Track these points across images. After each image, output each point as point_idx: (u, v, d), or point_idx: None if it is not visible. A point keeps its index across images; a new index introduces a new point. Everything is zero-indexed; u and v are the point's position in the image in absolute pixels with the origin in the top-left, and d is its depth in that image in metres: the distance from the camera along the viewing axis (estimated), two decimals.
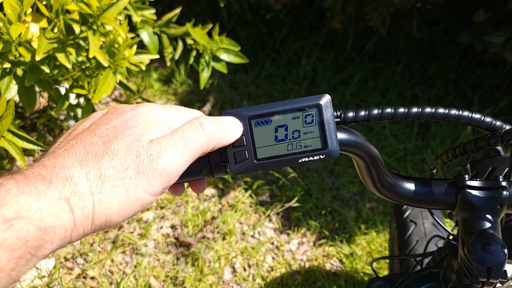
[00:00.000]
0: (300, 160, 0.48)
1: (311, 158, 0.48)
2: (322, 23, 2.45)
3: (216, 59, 1.17)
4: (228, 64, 1.22)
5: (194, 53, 1.19)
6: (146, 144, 0.41)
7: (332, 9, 2.21)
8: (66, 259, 1.61)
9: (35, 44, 0.81)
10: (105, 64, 0.79)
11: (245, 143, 0.47)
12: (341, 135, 0.49)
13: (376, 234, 1.78)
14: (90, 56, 0.75)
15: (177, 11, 1.15)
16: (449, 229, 0.77)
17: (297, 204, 1.83)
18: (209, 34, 1.21)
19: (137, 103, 1.20)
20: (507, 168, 0.66)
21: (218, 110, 2.15)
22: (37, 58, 0.73)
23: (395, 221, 1.26)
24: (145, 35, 1.12)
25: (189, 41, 1.18)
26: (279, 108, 0.46)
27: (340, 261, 1.72)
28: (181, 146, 0.41)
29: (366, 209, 1.85)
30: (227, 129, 0.45)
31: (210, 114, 2.14)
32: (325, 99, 0.47)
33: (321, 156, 0.48)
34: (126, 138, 0.41)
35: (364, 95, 2.29)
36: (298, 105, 0.47)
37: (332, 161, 2.00)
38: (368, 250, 1.74)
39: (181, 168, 0.42)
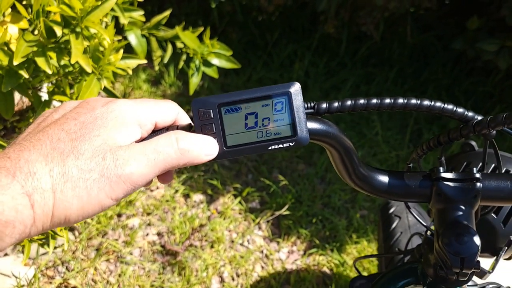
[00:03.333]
0: (270, 148, 0.47)
1: (281, 146, 0.48)
2: (315, 26, 2.42)
3: (207, 63, 1.12)
4: (219, 67, 1.18)
5: (184, 57, 1.14)
6: (114, 148, 0.40)
7: (326, 13, 2.17)
8: (47, 267, 1.55)
9: (13, 47, 0.76)
10: (89, 70, 0.73)
11: (214, 131, 0.46)
12: (312, 124, 0.49)
13: (367, 243, 1.75)
14: (72, 61, 0.70)
15: (167, 13, 1.10)
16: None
17: (287, 212, 1.79)
18: (200, 37, 1.16)
19: None
20: (480, 163, 0.67)
21: None
22: (15, 63, 0.68)
23: (381, 218, 1.28)
24: (133, 38, 1.07)
25: (179, 44, 1.13)
26: (249, 96, 0.46)
27: (331, 270, 1.68)
28: (152, 158, 0.41)
29: (357, 218, 1.82)
30: (202, 150, 0.45)
31: None
32: (295, 87, 0.47)
33: (291, 144, 0.47)
34: (94, 138, 0.40)
35: None
36: (268, 92, 0.46)
37: (324, 167, 1.97)
38: None
39: (147, 179, 0.41)
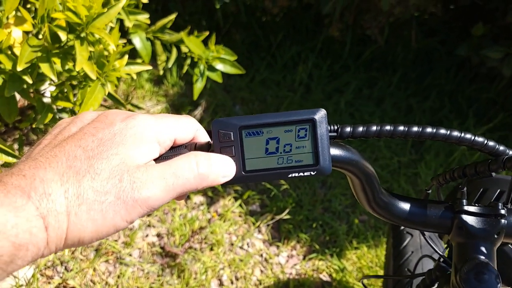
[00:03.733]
0: (290, 175, 0.46)
1: (302, 174, 0.46)
2: (319, 28, 2.40)
3: (211, 68, 1.11)
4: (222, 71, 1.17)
5: (188, 61, 1.13)
6: (132, 168, 0.39)
7: (331, 16, 2.16)
8: (46, 267, 1.54)
9: (17, 51, 0.75)
10: (93, 77, 0.72)
11: (234, 154, 0.45)
12: (335, 151, 0.48)
13: (367, 249, 1.74)
14: (77, 69, 0.69)
15: (172, 16, 1.09)
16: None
17: (288, 216, 1.79)
18: (205, 41, 1.15)
19: (128, 109, 1.13)
20: (498, 190, 0.66)
21: (210, 115, 2.10)
22: (19, 69, 0.67)
23: (392, 233, 1.25)
24: (138, 41, 1.06)
25: (183, 48, 1.12)
26: (272, 120, 0.45)
27: (330, 276, 1.68)
28: (170, 182, 0.40)
29: (357, 223, 1.81)
30: (220, 173, 0.43)
31: (202, 118, 2.08)
32: (320, 114, 0.45)
33: (312, 173, 0.46)
34: (112, 157, 0.39)
35: (359, 104, 2.25)
36: (292, 118, 0.45)
37: None
38: (359, 265, 1.70)
39: (164, 201, 0.40)
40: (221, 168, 0.43)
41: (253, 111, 2.17)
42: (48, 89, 0.86)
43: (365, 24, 2.13)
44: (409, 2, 1.98)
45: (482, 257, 0.53)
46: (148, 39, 1.09)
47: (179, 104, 2.13)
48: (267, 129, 0.45)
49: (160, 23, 1.07)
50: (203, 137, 0.47)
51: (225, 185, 0.45)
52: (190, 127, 0.45)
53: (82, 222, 0.37)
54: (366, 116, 2.19)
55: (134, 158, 0.40)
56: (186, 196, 0.47)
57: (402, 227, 1.24)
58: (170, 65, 1.16)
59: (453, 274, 0.55)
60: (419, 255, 1.13)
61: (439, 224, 0.55)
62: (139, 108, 1.22)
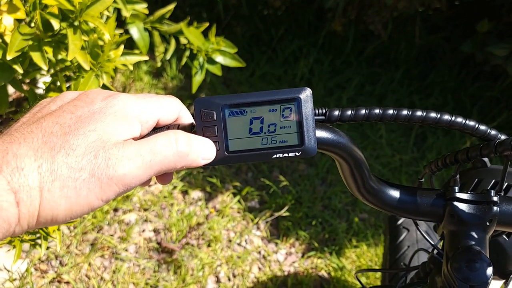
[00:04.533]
0: (274, 156, 0.45)
1: (286, 155, 0.45)
2: (322, 23, 2.37)
3: (211, 61, 1.08)
4: (222, 64, 1.14)
5: (187, 53, 1.10)
6: (108, 145, 0.38)
7: (333, 10, 2.12)
8: (40, 261, 1.52)
9: (8, 39, 0.72)
10: (87, 67, 0.69)
11: (216, 134, 0.44)
12: (322, 133, 0.46)
13: (366, 248, 1.72)
14: (69, 58, 0.65)
15: (171, 6, 1.06)
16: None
17: (287, 213, 1.76)
18: (205, 33, 1.12)
19: None
20: (493, 180, 0.65)
21: None
22: (9, 57, 0.64)
23: (388, 228, 1.24)
24: (135, 31, 1.02)
25: (182, 40, 1.08)
26: (255, 99, 0.43)
27: (329, 274, 1.65)
28: (147, 159, 0.39)
29: (357, 221, 1.78)
30: (200, 153, 0.42)
31: None
32: (306, 93, 0.44)
33: (297, 153, 0.45)
34: (89, 134, 0.38)
35: (361, 100, 2.22)
36: (276, 97, 0.43)
37: (325, 169, 1.93)
38: (358, 264, 1.68)
39: (141, 180, 0.39)
40: (201, 149, 0.42)
41: None
42: (40, 80, 0.83)
43: (368, 19, 2.09)
44: None
45: (474, 245, 0.52)
46: (146, 29, 1.05)
47: (178, 97, 2.08)
48: (251, 109, 0.44)
49: (159, 13, 1.04)
50: (187, 118, 0.46)
51: (207, 166, 0.44)
52: (173, 107, 0.44)
53: (55, 199, 0.36)
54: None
55: (112, 134, 0.39)
56: (170, 179, 0.46)
57: (399, 222, 1.23)
58: (168, 56, 1.13)
59: (444, 263, 0.54)
60: (415, 250, 1.13)
61: (431, 212, 0.54)
62: None
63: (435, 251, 0.71)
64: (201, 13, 2.31)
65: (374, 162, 1.97)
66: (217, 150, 0.44)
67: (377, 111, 0.49)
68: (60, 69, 0.76)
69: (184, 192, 1.80)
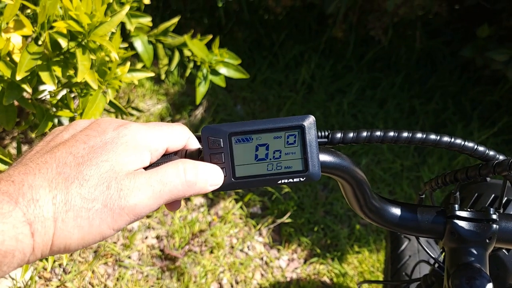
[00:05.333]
0: (280, 181, 0.46)
1: (291, 180, 0.46)
2: (322, 28, 2.37)
3: (215, 72, 1.09)
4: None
5: (191, 65, 1.10)
6: (120, 176, 0.39)
7: (334, 16, 2.13)
8: (44, 269, 1.52)
9: (16, 57, 0.73)
10: (95, 86, 0.70)
11: (223, 160, 0.45)
12: (325, 157, 0.48)
13: (368, 254, 1.73)
14: (79, 79, 0.66)
15: (175, 20, 1.06)
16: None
17: (289, 220, 1.77)
18: (208, 44, 1.12)
19: (129, 113, 1.10)
20: (493, 195, 0.66)
21: (212, 115, 2.07)
22: (18, 78, 0.65)
23: (390, 237, 1.25)
24: (139, 44, 1.03)
25: (186, 52, 1.09)
26: (261, 127, 0.45)
27: (331, 280, 1.66)
28: (157, 189, 0.40)
29: (359, 227, 1.79)
30: (208, 181, 0.43)
31: (203, 118, 2.06)
32: (309, 120, 0.46)
33: (302, 179, 0.46)
34: (101, 164, 0.39)
35: (362, 105, 2.23)
36: (281, 124, 0.45)
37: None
38: (360, 270, 1.69)
39: (152, 209, 0.40)
40: (208, 176, 0.43)
41: (254, 111, 2.15)
42: (46, 96, 0.84)
43: (369, 25, 2.10)
44: (414, 3, 1.96)
45: (474, 262, 0.53)
46: (150, 42, 1.06)
47: (179, 103, 2.11)
48: (257, 136, 0.45)
49: (163, 26, 1.05)
50: (194, 144, 0.47)
51: (214, 192, 0.45)
52: (182, 136, 0.46)
53: (69, 228, 0.37)
54: (369, 118, 2.16)
55: (123, 165, 0.40)
56: (178, 206, 0.47)
57: None
58: (172, 68, 1.13)
59: (445, 279, 0.55)
60: (416, 259, 1.14)
61: (432, 229, 0.56)
62: (139, 111, 1.19)
63: (436, 265, 0.72)
64: (202, 18, 2.31)
65: (376, 168, 1.98)
66: (224, 176, 0.45)
67: (378, 133, 0.50)
68: (67, 87, 0.77)
69: (186, 199, 1.80)
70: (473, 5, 2.14)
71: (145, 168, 0.43)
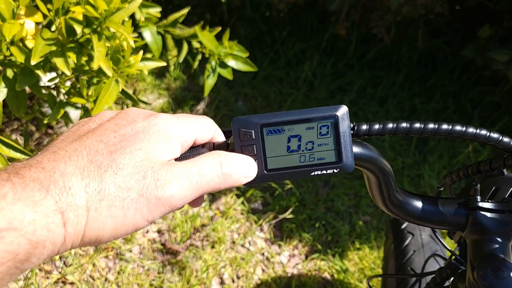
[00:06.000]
0: (313, 173, 0.45)
1: (324, 172, 0.45)
2: (324, 25, 2.38)
3: (223, 65, 1.08)
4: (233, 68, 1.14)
5: (199, 57, 1.10)
6: (156, 165, 0.38)
7: (337, 14, 2.13)
8: (45, 262, 1.51)
9: (29, 43, 0.72)
10: (110, 73, 0.70)
11: (255, 152, 0.44)
12: (355, 149, 0.47)
13: (369, 250, 1.73)
14: (95, 66, 0.66)
15: (185, 11, 1.06)
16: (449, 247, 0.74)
17: (290, 216, 1.77)
18: (216, 37, 1.12)
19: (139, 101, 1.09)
20: (511, 188, 0.66)
21: (213, 110, 2.07)
22: (33, 63, 0.64)
23: (392, 233, 1.25)
24: (148, 35, 1.03)
25: (195, 44, 1.09)
26: (293, 117, 0.44)
27: (332, 276, 1.66)
28: (195, 181, 0.39)
29: (360, 224, 1.80)
30: (243, 173, 0.43)
31: (205, 113, 2.05)
32: (342, 111, 0.45)
33: (335, 170, 0.45)
34: (135, 152, 0.38)
35: (362, 103, 2.23)
36: (313, 115, 0.44)
37: None
38: (361, 266, 1.69)
39: (187, 201, 0.39)
40: (243, 168, 0.43)
41: (256, 108, 2.15)
42: (55, 84, 0.83)
43: (372, 23, 2.11)
44: (417, 1, 1.96)
45: (498, 252, 0.53)
46: (158, 33, 1.06)
47: (181, 98, 2.10)
48: (289, 127, 0.44)
49: (172, 17, 1.04)
50: (220, 137, 0.47)
51: (247, 185, 0.44)
52: (209, 128, 0.45)
53: (102, 218, 0.35)
54: (369, 116, 2.17)
55: (157, 155, 0.39)
56: (201, 202, 0.46)
57: (403, 226, 1.24)
58: (181, 59, 1.13)
59: (469, 271, 0.55)
60: (421, 254, 1.14)
61: (453, 221, 0.56)
62: (145, 103, 1.19)
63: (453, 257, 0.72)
64: (204, 14, 2.31)
65: None
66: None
67: (404, 125, 0.49)
68: (79, 74, 0.76)
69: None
70: (474, 6, 2.15)
71: (175, 160, 0.41)
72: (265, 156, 0.44)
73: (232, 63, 1.08)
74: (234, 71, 2.05)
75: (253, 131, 0.44)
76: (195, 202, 0.45)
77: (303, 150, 0.45)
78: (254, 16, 2.35)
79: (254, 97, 2.20)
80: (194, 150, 0.44)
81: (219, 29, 1.10)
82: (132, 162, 0.37)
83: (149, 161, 0.38)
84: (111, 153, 0.37)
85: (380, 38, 2.19)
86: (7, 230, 0.31)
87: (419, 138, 2.12)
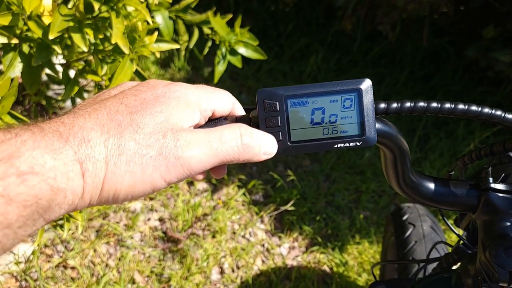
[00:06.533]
0: (336, 146, 0.46)
1: (347, 145, 0.46)
2: (329, 21, 2.38)
3: (233, 52, 1.09)
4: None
5: (209, 43, 1.10)
6: (176, 127, 0.38)
7: (344, 9, 2.14)
8: (46, 246, 1.51)
9: (45, 19, 0.72)
10: (126, 51, 0.70)
11: (279, 124, 0.44)
12: (377, 124, 0.47)
13: (368, 245, 1.74)
14: (113, 42, 0.66)
15: None
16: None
17: (291, 208, 1.78)
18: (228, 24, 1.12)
19: None
20: None
21: None
22: (51, 37, 0.64)
23: (393, 225, 1.26)
24: (160, 19, 1.03)
25: (206, 30, 1.09)
26: (317, 90, 0.44)
27: (331, 269, 1.67)
28: (215, 147, 0.39)
29: (360, 218, 1.81)
30: (262, 149, 0.43)
31: None
32: (366, 84, 0.45)
33: (358, 143, 0.46)
34: (156, 114, 0.38)
35: None
36: (338, 88, 0.44)
37: (329, 165, 1.95)
38: (360, 260, 1.70)
39: (205, 167, 0.39)
40: (263, 144, 0.43)
41: None
42: (67, 62, 0.83)
43: (377, 19, 2.11)
44: (423, 0, 1.97)
45: (510, 232, 0.54)
46: (170, 18, 1.06)
47: None
48: (313, 99, 0.44)
49: (184, 2, 1.04)
50: (240, 111, 0.47)
51: (269, 160, 0.44)
52: (228, 100, 0.45)
53: (121, 172, 0.36)
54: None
55: (178, 119, 0.39)
56: (224, 172, 0.46)
57: (404, 218, 1.25)
58: (192, 45, 1.13)
59: (480, 252, 0.56)
60: (423, 245, 1.15)
61: (465, 202, 0.57)
62: None
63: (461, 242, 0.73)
64: (210, 5, 2.31)
65: (378, 161, 2.00)
66: (279, 140, 0.45)
67: (421, 104, 0.50)
68: (94, 52, 0.77)
69: (190, 183, 1.80)
70: (479, 6, 2.16)
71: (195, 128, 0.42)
72: (289, 128, 0.45)
73: (242, 50, 1.09)
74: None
75: (277, 103, 0.44)
76: (217, 171, 0.46)
77: (326, 123, 0.45)
78: (260, 9, 2.35)
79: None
80: (216, 122, 0.45)
81: (230, 15, 1.11)
82: (152, 123, 0.38)
83: (169, 123, 0.38)
84: (131, 114, 0.38)
85: (385, 36, 2.20)
86: (30, 174, 0.31)
87: (420, 136, 2.13)
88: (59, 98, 0.83)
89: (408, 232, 1.19)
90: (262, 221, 1.76)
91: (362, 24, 2.26)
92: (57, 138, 0.34)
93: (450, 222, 0.71)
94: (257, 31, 2.38)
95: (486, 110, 0.51)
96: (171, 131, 0.38)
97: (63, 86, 0.96)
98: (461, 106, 0.50)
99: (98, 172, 0.35)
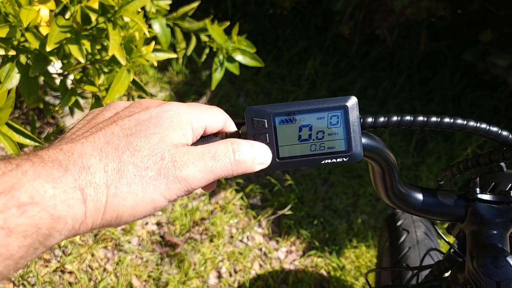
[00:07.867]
0: (323, 162, 0.47)
1: (334, 160, 0.47)
2: (327, 25, 2.39)
3: (230, 59, 1.09)
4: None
5: (207, 50, 1.11)
6: (172, 148, 0.40)
7: (341, 13, 2.15)
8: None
9: (43, 30, 0.72)
10: (123, 62, 0.70)
11: (268, 141, 0.46)
12: (363, 139, 0.48)
13: (365, 249, 1.75)
14: (110, 54, 0.66)
15: (195, 4, 1.07)
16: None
17: (289, 212, 1.78)
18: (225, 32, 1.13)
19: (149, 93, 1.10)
20: (510, 184, 0.68)
21: (215, 105, 2.07)
22: (48, 49, 0.65)
23: (387, 230, 1.27)
24: (157, 27, 1.03)
25: (203, 37, 1.09)
26: (304, 107, 0.46)
27: (328, 273, 1.68)
28: (210, 165, 0.40)
29: (357, 222, 1.82)
30: (256, 160, 0.44)
31: None
32: (352, 101, 0.46)
33: (344, 159, 0.47)
34: (150, 136, 0.39)
35: (363, 103, 2.25)
36: (324, 105, 0.46)
37: (327, 169, 1.96)
38: (357, 264, 1.71)
39: (202, 184, 0.41)
40: (257, 155, 0.44)
41: (257, 104, 2.16)
42: (64, 72, 0.83)
43: (375, 23, 2.12)
44: (421, 4, 1.98)
45: (497, 242, 0.55)
46: (168, 25, 1.06)
47: (183, 93, 2.11)
48: (300, 116, 0.46)
49: (182, 10, 1.05)
50: (232, 127, 0.48)
51: (261, 172, 0.45)
52: (220, 117, 0.46)
53: (122, 195, 0.37)
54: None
55: (172, 139, 0.40)
56: (214, 186, 0.48)
57: (398, 224, 1.26)
58: (189, 53, 1.14)
59: (468, 261, 0.56)
60: (416, 251, 1.16)
61: (453, 213, 0.57)
62: (152, 96, 1.20)
63: (451, 250, 0.74)
64: (208, 9, 2.31)
65: None
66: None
67: (408, 118, 0.50)
68: (91, 62, 0.77)
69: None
70: (476, 11, 2.17)
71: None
72: (277, 145, 0.46)
73: (239, 57, 1.09)
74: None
75: (265, 120, 0.45)
76: (208, 186, 0.47)
77: (313, 139, 0.46)
78: (258, 13, 2.36)
79: (255, 94, 2.21)
80: (208, 139, 0.46)
81: (227, 23, 1.11)
82: (148, 145, 0.39)
83: (165, 144, 0.39)
84: (127, 136, 0.39)
85: (382, 39, 2.21)
86: (30, 205, 0.32)
87: (418, 140, 2.14)
88: (56, 108, 0.84)
89: (402, 238, 1.20)
90: (259, 225, 1.77)
91: (360, 28, 2.26)
92: (57, 167, 0.35)
93: (442, 229, 0.72)
94: (255, 34, 2.39)
95: (472, 123, 0.52)
96: (168, 152, 0.39)
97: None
98: (446, 119, 0.51)
99: (100, 196, 0.36)
